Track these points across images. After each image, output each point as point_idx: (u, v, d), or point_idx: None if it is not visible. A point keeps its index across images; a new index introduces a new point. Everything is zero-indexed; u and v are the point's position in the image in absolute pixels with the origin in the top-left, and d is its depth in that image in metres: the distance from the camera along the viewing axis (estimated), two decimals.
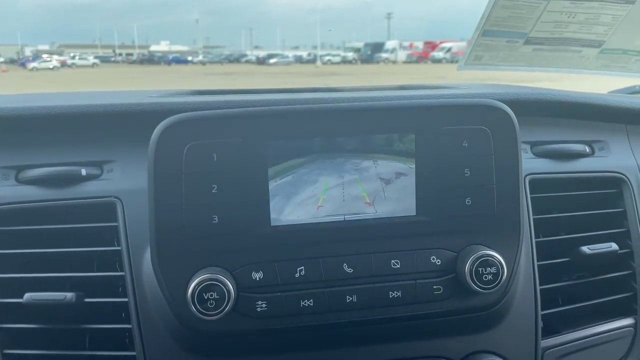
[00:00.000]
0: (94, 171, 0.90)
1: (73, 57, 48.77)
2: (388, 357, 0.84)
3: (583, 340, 0.93)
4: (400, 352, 0.85)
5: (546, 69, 1.32)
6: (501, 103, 0.81)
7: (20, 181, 0.88)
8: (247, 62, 56.80)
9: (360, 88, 1.39)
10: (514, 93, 1.04)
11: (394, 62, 51.25)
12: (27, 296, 0.81)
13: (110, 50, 78.18)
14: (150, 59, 58.58)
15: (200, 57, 59.50)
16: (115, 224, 0.86)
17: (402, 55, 54.11)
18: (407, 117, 0.80)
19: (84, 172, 0.88)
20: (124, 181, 0.89)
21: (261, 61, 52.96)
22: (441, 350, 0.86)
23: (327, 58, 56.40)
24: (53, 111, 0.91)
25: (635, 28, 1.17)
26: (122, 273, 0.84)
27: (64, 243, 0.86)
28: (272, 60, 52.11)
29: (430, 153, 0.80)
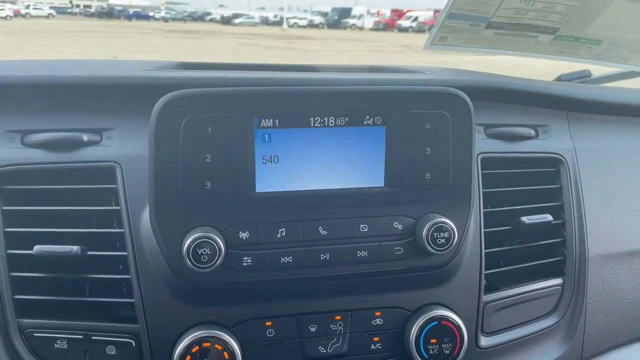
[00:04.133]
0: (94, 137, 0.98)
1: (27, 7, 46.44)
2: (354, 307, 0.98)
3: (518, 296, 1.08)
4: (365, 302, 0.98)
5: (505, 52, 1.45)
6: (460, 92, 0.93)
7: (26, 144, 0.96)
8: (212, 20, 55.34)
9: (335, 68, 1.50)
10: (472, 80, 1.16)
11: (361, 28, 50.87)
12: (37, 248, 0.90)
13: (66, 1, 74.70)
14: (110, 13, 56.33)
15: (163, 14, 57.58)
16: (115, 185, 0.96)
17: (369, 22, 53.72)
18: (378, 101, 0.91)
19: (85, 137, 0.97)
20: (122, 148, 0.98)
21: (226, 21, 51.68)
22: (399, 302, 1.00)
23: (293, 21, 55.54)
24: (57, 81, 0.98)
25: (588, 18, 1.30)
26: (122, 230, 0.94)
27: (66, 202, 0.95)
28: (237, 21, 50.94)
29: (398, 133, 0.92)
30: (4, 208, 0.93)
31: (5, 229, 0.92)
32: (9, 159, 0.94)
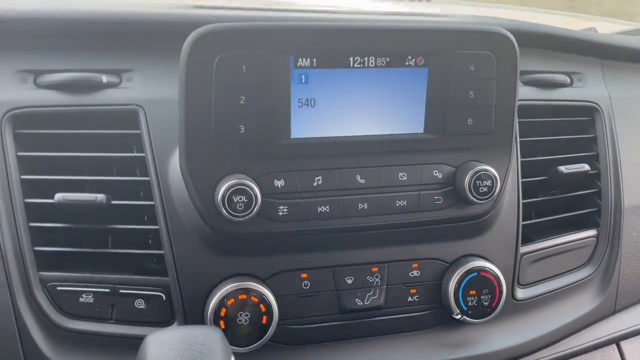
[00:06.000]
0: (113, 79, 0.91)
1: None
2: (391, 259, 0.94)
3: (553, 248, 1.06)
4: (402, 254, 0.94)
5: (515, 7, 1.40)
6: (507, 32, 0.88)
7: (40, 85, 0.89)
8: None
9: (354, 11, 1.43)
10: (511, 23, 1.10)
11: None
12: (59, 196, 0.84)
13: None
14: None
15: None
16: (139, 131, 0.89)
17: None
18: (422, 40, 0.85)
19: (104, 79, 0.90)
20: (144, 90, 0.91)
21: None
22: (436, 253, 0.96)
23: None
24: (72, 16, 0.90)
25: None
26: (147, 178, 0.88)
27: (85, 148, 0.89)
28: None
29: (441, 75, 0.86)
30: (19, 154, 0.86)
31: (22, 176, 0.85)
32: (22, 101, 0.87)
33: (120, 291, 0.86)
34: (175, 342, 0.61)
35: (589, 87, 1.17)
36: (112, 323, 0.86)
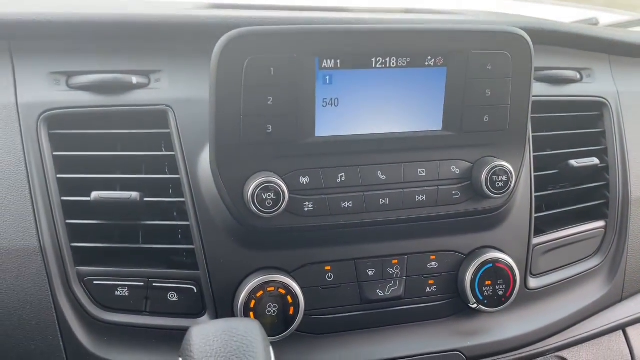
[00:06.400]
0: (142, 80, 0.94)
1: None
2: (410, 251, 0.98)
3: (564, 239, 1.10)
4: (420, 247, 0.98)
5: None
6: (523, 31, 0.91)
7: (72, 87, 0.92)
8: None
9: (368, 9, 1.45)
10: (524, 22, 1.13)
11: None
12: (95, 194, 0.87)
13: None
14: None
15: None
16: (168, 130, 0.92)
17: None
18: (441, 40, 0.88)
19: (134, 80, 0.92)
20: (173, 90, 0.94)
21: None
22: (453, 245, 1.00)
23: None
24: (102, 19, 0.93)
25: None
26: (178, 176, 0.91)
27: (116, 147, 0.92)
28: None
29: (459, 74, 0.89)
30: (55, 154, 0.89)
31: (58, 175, 0.89)
32: (56, 102, 0.90)
33: (154, 284, 0.90)
34: (219, 333, 0.65)
35: (597, 83, 1.20)
36: (146, 315, 0.90)
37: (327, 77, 0.87)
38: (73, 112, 0.90)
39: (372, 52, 0.86)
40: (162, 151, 0.93)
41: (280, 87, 0.83)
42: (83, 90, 0.92)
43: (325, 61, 0.86)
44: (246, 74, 0.81)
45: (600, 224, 1.15)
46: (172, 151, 0.92)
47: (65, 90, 0.92)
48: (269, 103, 0.84)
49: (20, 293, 0.85)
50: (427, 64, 0.89)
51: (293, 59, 0.83)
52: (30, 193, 0.86)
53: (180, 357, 0.65)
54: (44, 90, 0.91)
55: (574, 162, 1.09)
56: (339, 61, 0.86)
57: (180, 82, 0.95)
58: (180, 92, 0.94)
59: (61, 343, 0.86)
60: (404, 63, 0.89)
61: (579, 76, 1.18)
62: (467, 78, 0.90)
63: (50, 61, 0.92)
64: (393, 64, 0.88)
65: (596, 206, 1.15)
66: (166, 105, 0.93)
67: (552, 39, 1.16)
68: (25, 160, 0.87)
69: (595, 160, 1.12)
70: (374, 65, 0.88)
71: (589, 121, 1.18)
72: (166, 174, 0.94)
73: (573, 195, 1.14)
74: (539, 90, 1.13)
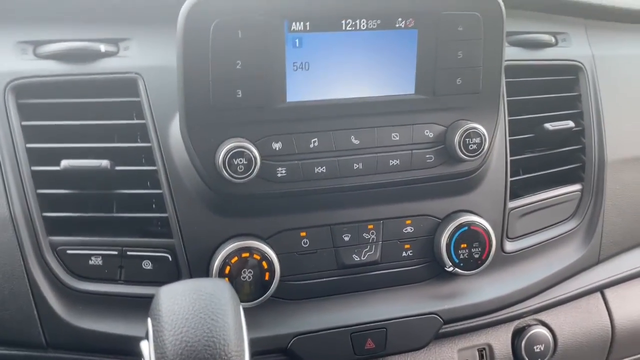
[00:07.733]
0: (111, 48, 0.93)
1: None
2: (386, 216, 0.98)
3: (540, 202, 1.11)
4: (396, 211, 0.99)
5: None
6: None
7: (39, 56, 0.91)
8: None
9: None
10: None
11: None
12: (65, 163, 0.86)
13: None
14: None
15: None
16: (138, 99, 0.91)
17: None
18: (411, 1, 0.87)
19: (103, 48, 0.91)
20: (142, 58, 0.93)
21: None
22: (429, 209, 1.00)
23: None
24: None
25: None
26: (149, 144, 0.91)
27: (87, 116, 0.91)
28: None
29: (430, 37, 0.89)
30: (23, 123, 0.88)
31: (28, 145, 0.88)
32: (23, 71, 0.89)
33: (128, 253, 0.89)
34: (187, 292, 0.65)
35: (573, 47, 1.20)
36: (120, 283, 0.90)
37: (297, 40, 0.86)
38: (41, 80, 0.89)
39: (341, 13, 0.85)
40: (133, 119, 0.93)
41: (249, 50, 0.83)
42: (51, 59, 0.91)
43: (294, 24, 0.85)
44: (213, 38, 0.80)
45: (577, 187, 1.15)
46: (143, 119, 0.91)
47: (33, 59, 0.90)
48: (237, 67, 0.83)
49: None
50: (397, 26, 0.89)
51: (261, 21, 0.82)
52: None
53: (149, 317, 0.65)
54: (11, 59, 0.90)
55: (549, 126, 1.09)
56: (308, 24, 0.85)
57: (149, 50, 0.94)
58: (149, 60, 0.93)
59: (35, 312, 0.86)
60: (374, 25, 0.88)
61: (554, 40, 1.17)
62: (439, 40, 0.89)
63: (17, 30, 0.91)
64: (363, 26, 0.87)
65: (572, 170, 1.16)
66: (135, 73, 0.92)
67: (527, 2, 1.16)
68: None
69: (570, 123, 1.12)
70: (344, 28, 0.87)
71: (565, 85, 1.18)
72: (138, 142, 0.93)
73: (549, 159, 1.14)
74: (514, 54, 1.13)
